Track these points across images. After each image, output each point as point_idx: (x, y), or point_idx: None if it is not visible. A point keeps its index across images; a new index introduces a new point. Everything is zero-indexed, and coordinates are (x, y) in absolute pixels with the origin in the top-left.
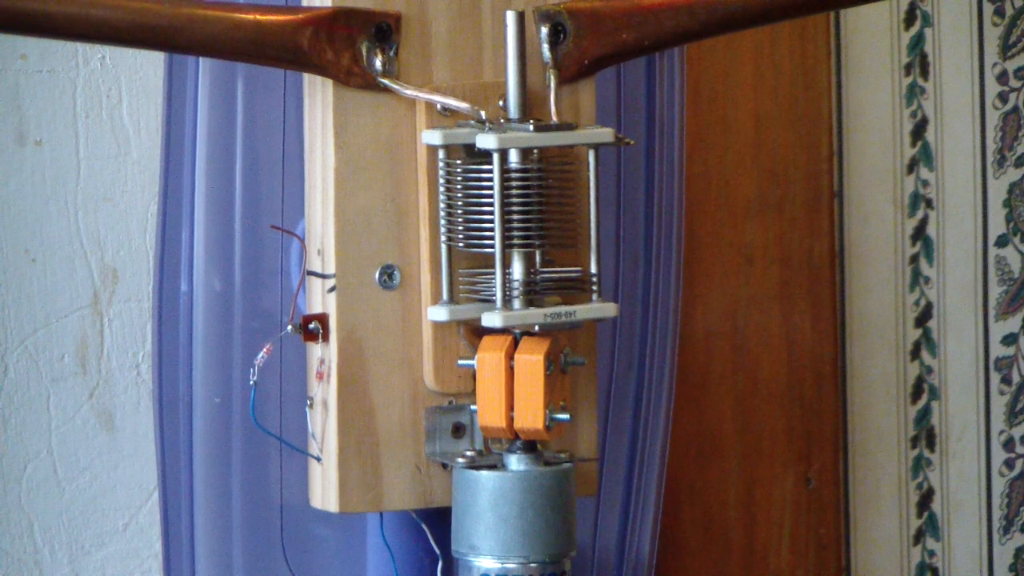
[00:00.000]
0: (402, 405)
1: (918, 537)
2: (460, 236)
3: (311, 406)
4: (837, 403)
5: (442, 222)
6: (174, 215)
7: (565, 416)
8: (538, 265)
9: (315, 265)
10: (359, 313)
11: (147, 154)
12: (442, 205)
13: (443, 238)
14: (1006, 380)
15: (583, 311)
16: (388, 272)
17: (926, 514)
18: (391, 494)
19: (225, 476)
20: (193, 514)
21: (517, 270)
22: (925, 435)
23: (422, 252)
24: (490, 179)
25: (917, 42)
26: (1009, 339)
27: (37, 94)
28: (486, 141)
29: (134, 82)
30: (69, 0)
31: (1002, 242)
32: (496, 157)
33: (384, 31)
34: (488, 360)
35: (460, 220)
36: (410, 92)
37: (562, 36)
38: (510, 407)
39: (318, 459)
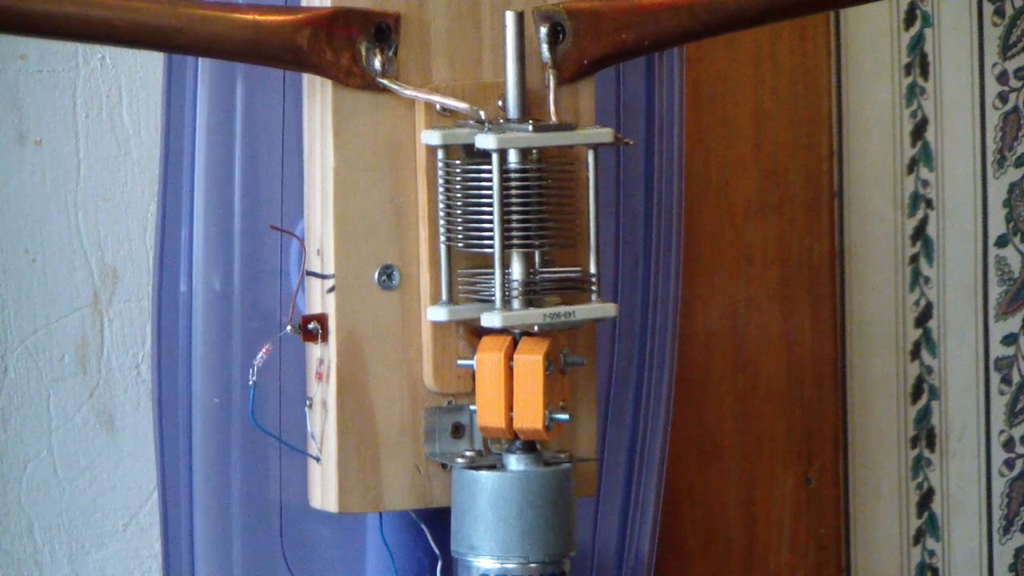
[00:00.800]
0: (402, 405)
1: (918, 537)
2: (459, 236)
3: (310, 406)
4: (837, 403)
5: (441, 222)
6: (174, 215)
7: (564, 416)
8: (537, 265)
9: (314, 265)
10: (358, 313)
11: (147, 154)
12: (441, 205)
13: (442, 238)
14: (1006, 380)
15: (582, 311)
16: (387, 272)
17: (926, 514)
18: (391, 494)
19: (225, 476)
20: (193, 514)
21: (516, 270)
22: (925, 435)
23: (421, 252)
24: (489, 179)
25: (917, 42)
26: (1009, 339)
27: (37, 94)
28: (485, 141)
29: (134, 82)
30: (69, 0)
31: (1002, 242)
32: (495, 157)
33: (383, 31)
34: (487, 360)
35: (459, 220)
36: (409, 92)
37: (561, 36)
38: (509, 407)
39: (317, 459)
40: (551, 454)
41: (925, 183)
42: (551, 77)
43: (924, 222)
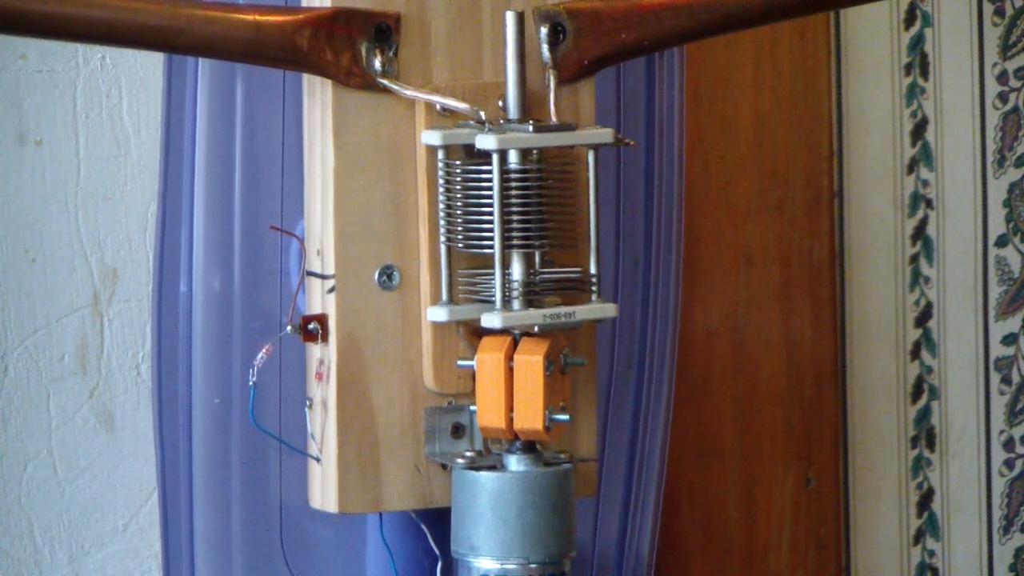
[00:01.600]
0: (402, 405)
1: (918, 537)
2: (460, 236)
3: (310, 406)
4: (837, 403)
5: (441, 223)
6: (174, 215)
7: (565, 416)
8: (537, 266)
9: (314, 265)
10: (358, 314)
11: (147, 154)
12: (441, 205)
13: (442, 238)
14: (1006, 380)
15: (583, 311)
16: (387, 272)
17: (926, 514)
18: (391, 495)
19: (225, 476)
20: (193, 514)
21: (516, 271)
22: (925, 435)
23: (421, 252)
24: (490, 179)
25: (917, 42)
26: (1009, 339)
27: (37, 94)
28: (486, 142)
29: (134, 82)
30: (69, 0)
31: (1002, 242)
32: (496, 158)
33: (384, 31)
34: (488, 361)
35: (460, 220)
36: (410, 92)
37: (562, 36)
38: (510, 408)
39: (318, 459)
40: (551, 454)
41: (925, 183)
42: (551, 77)
43: (924, 222)
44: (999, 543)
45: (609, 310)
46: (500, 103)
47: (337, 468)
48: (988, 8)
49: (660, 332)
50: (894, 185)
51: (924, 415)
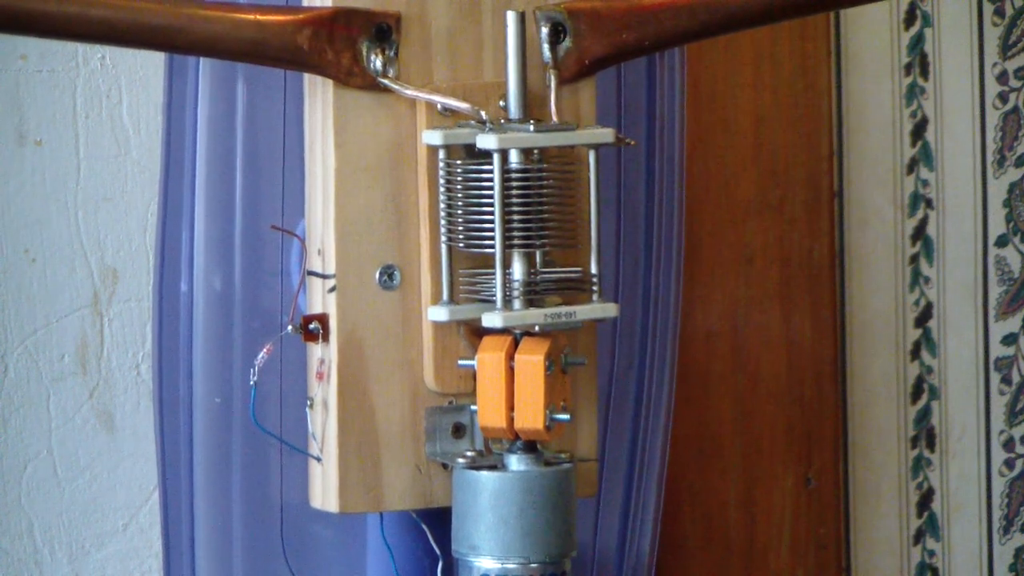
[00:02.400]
0: (402, 405)
1: (918, 537)
2: (460, 236)
3: (311, 406)
4: (837, 403)
5: (442, 222)
6: (174, 215)
7: (565, 416)
8: (538, 265)
9: (315, 265)
10: (359, 313)
11: (147, 154)
12: (442, 205)
13: (443, 238)
14: (1006, 380)
15: (583, 311)
16: (388, 272)
17: (926, 514)
18: (391, 494)
19: (225, 476)
20: (193, 514)
21: (517, 270)
22: (925, 435)
23: (422, 252)
24: (490, 179)
25: (917, 42)
26: (1009, 339)
27: (37, 94)
28: (486, 141)
29: (134, 82)
30: (69, 0)
31: (1002, 242)
32: (496, 157)
33: (384, 31)
34: (488, 360)
35: (460, 220)
36: (410, 92)
37: (562, 36)
38: (510, 407)
39: (318, 459)
40: (552, 454)
41: (925, 183)
42: (552, 77)
43: (924, 222)
44: (999, 543)
45: (610, 310)
46: (501, 103)
47: (338, 468)
48: (988, 8)
49: (660, 332)
50: (894, 185)
51: (924, 415)
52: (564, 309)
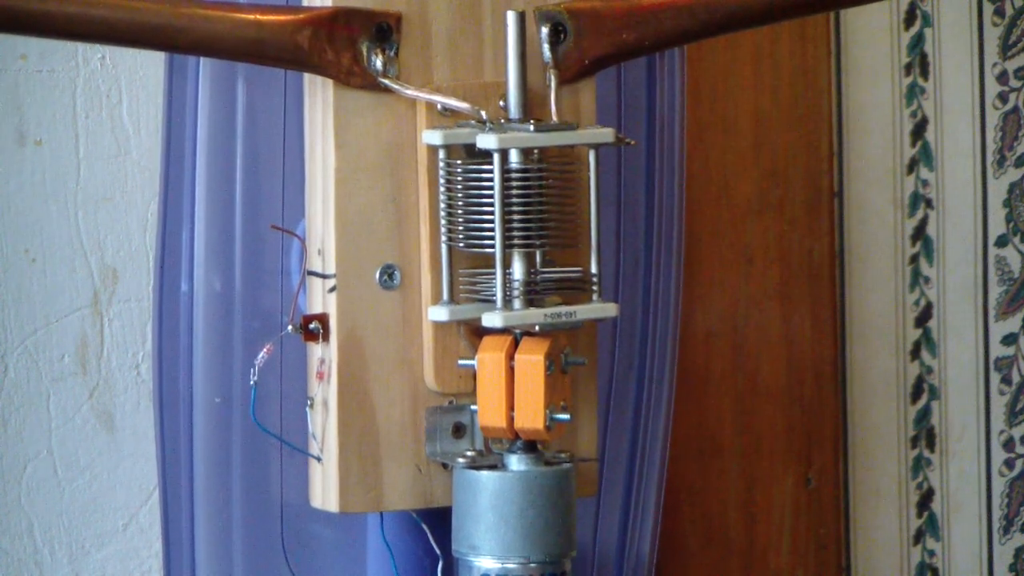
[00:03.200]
0: (402, 405)
1: (918, 537)
2: (460, 236)
3: (311, 406)
4: (837, 403)
5: (442, 222)
6: (174, 215)
7: (565, 416)
8: (538, 265)
9: (315, 265)
10: (359, 313)
11: (147, 154)
12: (442, 205)
13: (443, 238)
14: (1006, 380)
15: (583, 311)
16: (388, 272)
17: (926, 514)
18: (391, 494)
19: (225, 476)
20: (193, 514)
21: (517, 270)
22: (925, 435)
23: (422, 252)
24: (491, 179)
25: (917, 42)
26: (1009, 339)
27: (37, 94)
28: (486, 141)
29: (134, 82)
30: (69, 0)
31: (1002, 242)
32: (496, 157)
33: (384, 31)
34: (488, 360)
35: (460, 220)
36: (410, 92)
37: (562, 36)
38: (510, 407)
39: (318, 459)
40: (552, 454)
41: (925, 183)
42: (552, 77)
43: (924, 222)
44: (999, 543)
45: (610, 310)
46: (501, 103)
47: (338, 468)
48: (988, 8)
49: (660, 332)
50: (894, 185)
51: (924, 415)
52: (564, 309)
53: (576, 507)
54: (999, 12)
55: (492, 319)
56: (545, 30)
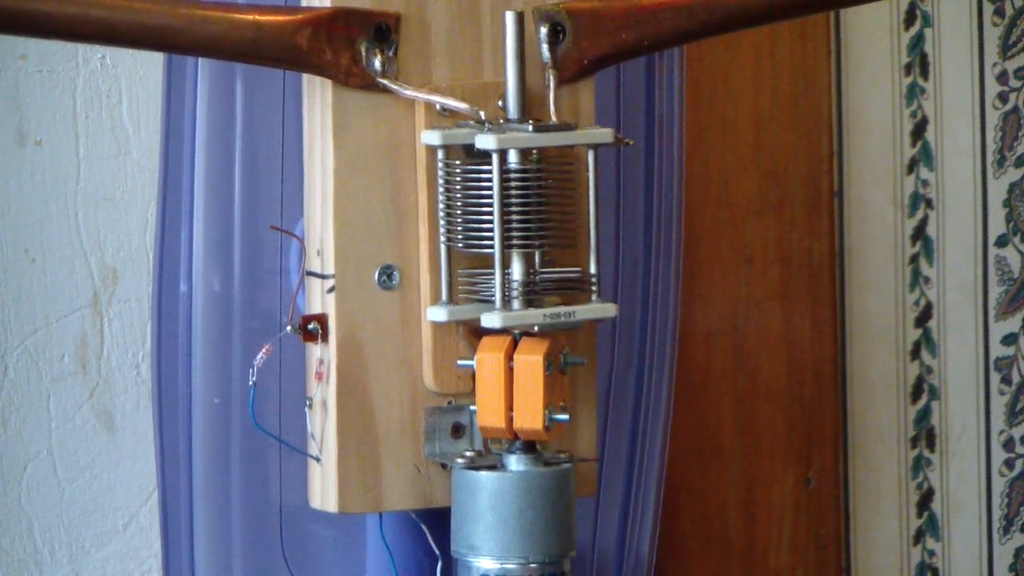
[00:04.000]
0: (401, 405)
1: (918, 537)
2: (459, 236)
3: (310, 406)
4: (837, 403)
5: (441, 222)
6: (174, 215)
7: (564, 416)
8: (537, 265)
9: (314, 265)
10: (358, 313)
11: (147, 154)
12: (441, 205)
13: (442, 238)
14: (1006, 380)
15: (582, 311)
16: (387, 272)
17: (926, 514)
18: (391, 494)
19: (225, 476)
20: (193, 514)
21: (516, 270)
22: (925, 435)
23: (421, 252)
24: (489, 179)
25: (917, 42)
26: (1009, 339)
27: (37, 94)
28: (485, 141)
29: (134, 82)
30: (69, 0)
31: (1002, 242)
32: (495, 157)
33: (383, 31)
34: (487, 360)
35: (459, 220)
36: (409, 92)
37: (561, 36)
38: (509, 407)
39: (317, 459)
40: (551, 454)
41: (925, 183)
42: (551, 77)
43: (924, 222)
44: (999, 543)
45: (609, 310)
46: (500, 103)
47: (337, 468)
48: (988, 8)
49: (660, 332)
50: (894, 185)
51: (924, 415)
52: (563, 309)
53: (575, 507)
54: (999, 12)
55: (491, 319)
56: (544, 30)
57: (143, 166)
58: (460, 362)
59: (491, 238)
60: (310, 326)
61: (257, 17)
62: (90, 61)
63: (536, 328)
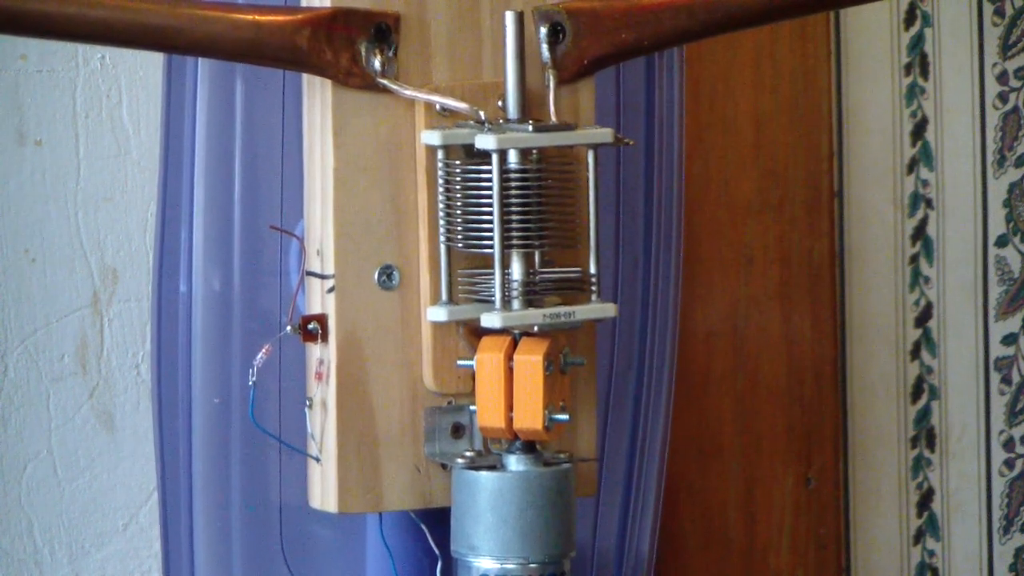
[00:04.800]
0: (401, 405)
1: (918, 537)
2: (459, 236)
3: (310, 406)
4: (837, 403)
5: (441, 222)
6: (173, 215)
7: (564, 416)
8: (537, 265)
9: (314, 265)
10: (358, 313)
11: (147, 154)
12: (441, 205)
13: (442, 238)
14: (1006, 380)
15: (582, 311)
16: (387, 272)
17: (926, 514)
18: (390, 494)
19: (225, 476)
20: (193, 514)
21: (516, 270)
22: (925, 435)
23: (421, 252)
24: (489, 179)
25: (917, 42)
26: (1009, 339)
27: (37, 94)
28: (485, 141)
29: (134, 82)
30: (69, 0)
31: (1002, 242)
32: (495, 157)
33: (383, 31)
34: (487, 361)
35: (459, 220)
36: (409, 92)
37: (561, 36)
38: (509, 407)
39: (317, 459)
40: (551, 454)
41: (925, 183)
42: (551, 77)
43: (924, 222)
44: (999, 543)
45: (609, 310)
46: (500, 103)
47: (337, 468)
48: (988, 8)
49: (660, 332)
50: (894, 185)
51: (924, 415)
52: (563, 309)
53: (576, 507)
54: (999, 12)
55: (491, 319)
56: (544, 30)
57: (143, 166)
58: (460, 362)
59: (491, 238)
60: (310, 326)
61: (257, 17)
62: (90, 61)
63: (536, 328)
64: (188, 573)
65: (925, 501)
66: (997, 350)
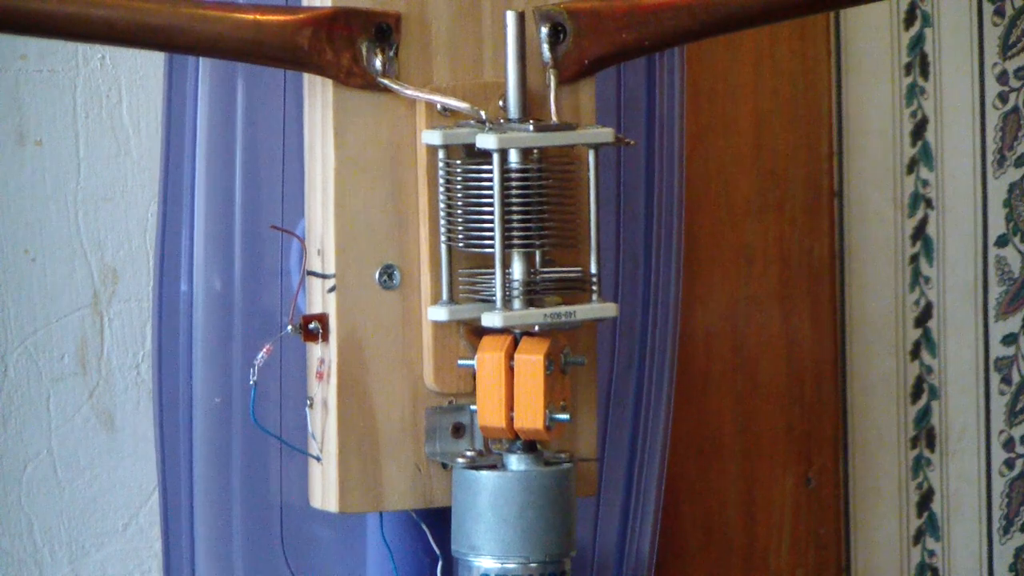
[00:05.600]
0: (402, 405)
1: (918, 537)
2: (460, 236)
3: (311, 406)
4: (837, 403)
5: (442, 222)
6: (174, 215)
7: (565, 416)
8: (538, 265)
9: (315, 265)
10: (359, 313)
11: (147, 154)
12: (442, 205)
13: (443, 238)
14: (1006, 380)
15: (583, 311)
16: (388, 272)
17: (926, 514)
18: (391, 494)
19: (225, 476)
20: (193, 514)
21: (517, 270)
22: (925, 435)
23: (422, 252)
24: (490, 179)
25: (917, 42)
26: (1009, 339)
27: (37, 94)
28: (486, 141)
29: (134, 82)
30: (69, 0)
31: (1002, 242)
32: (496, 157)
33: (384, 31)
34: (488, 360)
35: (460, 220)
36: (410, 92)
37: (562, 36)
38: (510, 407)
39: (318, 459)
40: (551, 454)
41: (925, 183)
42: (552, 77)
43: (924, 222)
44: (999, 543)
45: (609, 310)
46: (500, 103)
47: (337, 468)
48: (988, 8)
49: (660, 332)
50: (894, 185)
51: (924, 415)
52: (564, 309)
53: (576, 507)
54: (999, 12)
55: (492, 319)
56: (545, 30)
57: (143, 166)
58: (461, 362)
59: (492, 238)
60: (311, 326)
61: (258, 17)
62: (90, 61)
63: (536, 328)
64: (188, 573)
65: (925, 501)
66: (997, 350)
